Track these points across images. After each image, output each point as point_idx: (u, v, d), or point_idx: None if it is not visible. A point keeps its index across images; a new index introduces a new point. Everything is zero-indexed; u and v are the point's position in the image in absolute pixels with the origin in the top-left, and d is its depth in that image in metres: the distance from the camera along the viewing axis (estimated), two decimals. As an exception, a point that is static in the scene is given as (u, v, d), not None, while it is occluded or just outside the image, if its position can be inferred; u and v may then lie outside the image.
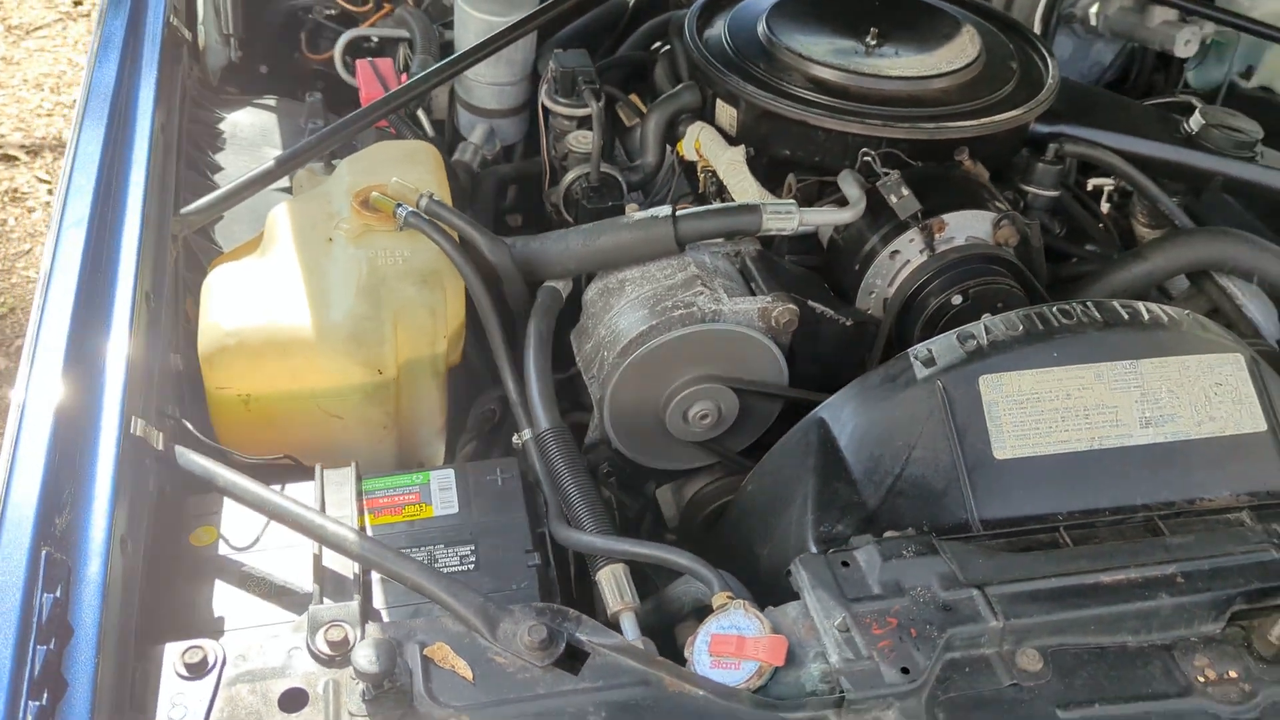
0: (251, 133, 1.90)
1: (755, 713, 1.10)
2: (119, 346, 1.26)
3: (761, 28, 1.90)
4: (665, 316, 1.51)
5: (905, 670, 1.14)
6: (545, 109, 1.92)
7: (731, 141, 1.82)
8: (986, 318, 1.44)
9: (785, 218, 1.59)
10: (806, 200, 1.78)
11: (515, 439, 1.49)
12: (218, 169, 1.75)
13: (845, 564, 1.24)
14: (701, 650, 1.17)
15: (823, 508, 1.35)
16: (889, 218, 1.65)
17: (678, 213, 1.56)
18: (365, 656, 1.07)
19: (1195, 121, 1.90)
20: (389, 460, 1.56)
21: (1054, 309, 1.45)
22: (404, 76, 1.91)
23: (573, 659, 1.14)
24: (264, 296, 1.47)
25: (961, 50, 1.86)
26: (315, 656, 1.12)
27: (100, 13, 1.72)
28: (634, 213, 1.60)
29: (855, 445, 1.40)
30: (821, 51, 1.82)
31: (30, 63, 4.77)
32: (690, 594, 1.35)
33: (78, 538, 1.10)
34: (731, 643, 1.16)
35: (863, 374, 1.49)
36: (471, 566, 1.31)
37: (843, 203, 1.67)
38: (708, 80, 1.85)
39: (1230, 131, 1.87)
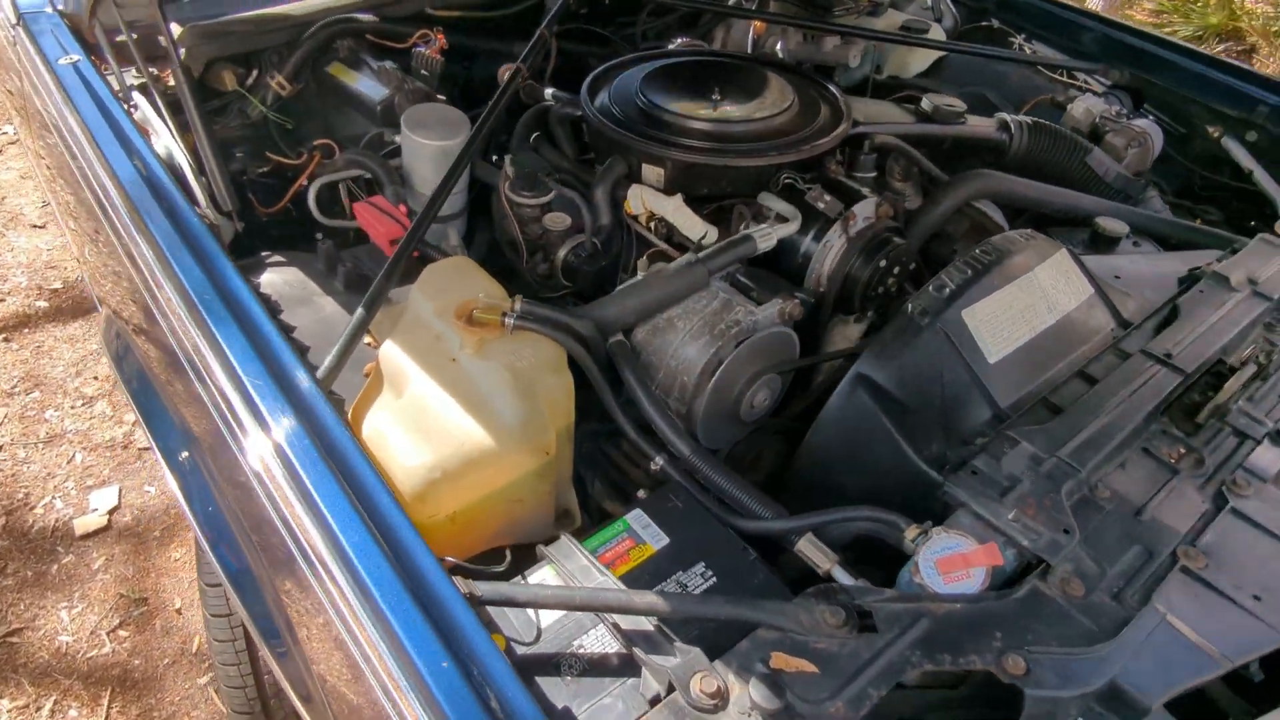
0: (291, 290, 1.44)
1: (1006, 604, 1.01)
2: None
3: (643, 102, 1.70)
4: (725, 337, 1.34)
5: (1066, 531, 1.09)
6: (510, 201, 1.61)
7: (665, 192, 1.62)
8: (942, 272, 1.39)
9: (767, 239, 1.45)
10: (730, 222, 1.64)
11: (654, 465, 1.26)
12: (291, 329, 1.31)
13: (974, 472, 1.16)
14: (932, 574, 1.06)
15: (910, 439, 1.26)
16: (817, 218, 1.55)
17: (702, 255, 1.37)
18: (763, 695, 0.88)
19: (927, 104, 1.93)
20: (550, 518, 1.27)
21: (978, 252, 1.42)
22: (401, 207, 1.52)
23: (864, 619, 0.99)
24: (432, 426, 1.14)
25: (782, 93, 1.76)
26: (696, 707, 0.89)
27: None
28: (665, 265, 1.38)
29: (902, 386, 1.32)
30: (697, 110, 1.67)
31: None
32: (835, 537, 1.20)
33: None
34: (956, 560, 1.05)
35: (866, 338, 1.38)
36: (714, 580, 1.10)
37: (780, 218, 1.54)
38: (630, 151, 1.63)
39: (948, 107, 1.92)
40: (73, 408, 2.84)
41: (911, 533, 1.11)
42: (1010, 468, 1.17)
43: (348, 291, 1.46)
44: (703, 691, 0.90)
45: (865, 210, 1.59)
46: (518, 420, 1.15)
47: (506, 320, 1.22)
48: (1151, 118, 2.27)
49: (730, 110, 1.71)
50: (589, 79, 1.84)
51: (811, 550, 1.14)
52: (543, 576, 1.09)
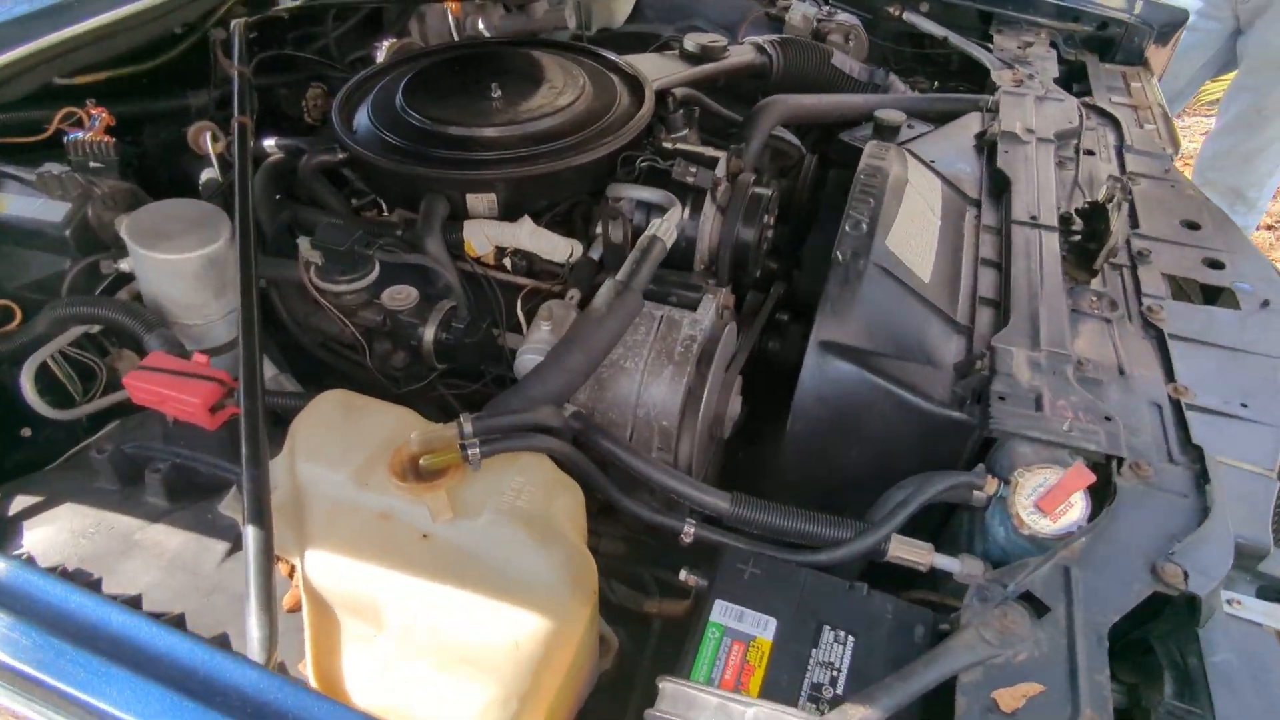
0: (86, 542, 0.93)
1: (1112, 515, 0.97)
2: None
3: (423, 122, 1.39)
4: (686, 360, 1.14)
5: (1109, 418, 1.08)
6: (322, 291, 1.22)
7: (503, 219, 1.33)
8: (848, 208, 1.29)
9: (671, 234, 1.24)
10: (575, 229, 1.41)
11: (684, 538, 1.04)
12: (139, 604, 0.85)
13: (1002, 398, 1.10)
14: (1038, 519, 0.99)
15: (915, 388, 1.17)
16: (687, 193, 1.36)
17: (623, 277, 1.13)
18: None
19: (692, 45, 1.82)
20: (597, 657, 1.00)
21: (864, 179, 1.36)
22: (198, 356, 1.04)
23: (1030, 604, 0.89)
24: (464, 646, 0.80)
25: (566, 72, 1.55)
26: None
27: None
28: (597, 302, 1.12)
29: (870, 338, 1.22)
30: (490, 116, 1.39)
31: None
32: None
33: None
34: (1056, 494, 0.99)
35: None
36: (853, 640, 0.94)
37: (644, 206, 1.35)
38: (445, 185, 1.31)
39: (713, 44, 1.83)
40: None
41: (991, 485, 1.03)
42: (1022, 378, 1.14)
43: (175, 505, 0.99)
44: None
45: (720, 171, 1.44)
46: (558, 571, 0.85)
47: (470, 454, 0.89)
48: (843, 12, 2.38)
49: (529, 104, 1.44)
50: (336, 110, 1.44)
51: (908, 551, 1.02)
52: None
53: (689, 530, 1.05)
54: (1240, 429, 1.13)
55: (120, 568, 0.91)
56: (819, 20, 2.24)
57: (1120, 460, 1.04)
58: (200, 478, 1.05)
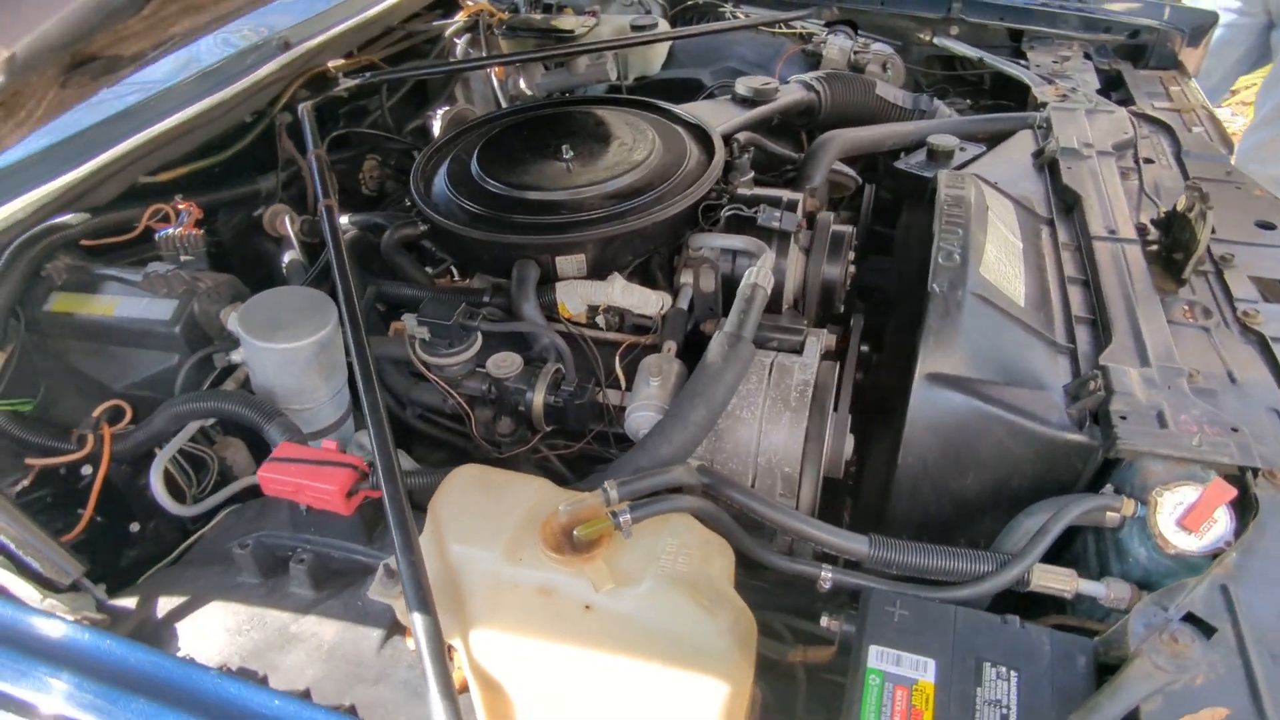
0: (242, 640, 0.95)
1: (1260, 528, 0.97)
2: None
3: (501, 189, 1.43)
4: (801, 404, 1.15)
5: (1235, 429, 1.09)
6: (429, 365, 1.25)
7: (592, 277, 1.37)
8: (938, 241, 1.32)
9: (768, 280, 1.27)
10: (656, 280, 1.45)
11: (822, 584, 1.05)
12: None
13: (1124, 417, 1.11)
14: (1183, 538, 1.00)
15: (1029, 413, 1.18)
16: (771, 236, 1.39)
17: (732, 329, 1.16)
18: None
19: (744, 89, 1.88)
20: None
21: (949, 210, 1.39)
22: (326, 443, 1.07)
23: (1196, 626, 0.89)
24: (648, 701, 0.81)
25: (633, 128, 1.60)
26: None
27: None
28: (711, 354, 1.14)
29: (975, 366, 1.23)
30: (566, 178, 1.45)
31: None
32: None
33: None
34: (1197, 512, 1.00)
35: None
36: (1016, 674, 0.93)
37: (729, 253, 1.38)
38: (534, 250, 1.35)
39: (764, 85, 1.88)
40: None
41: (1129, 507, 1.03)
42: (1141, 396, 1.15)
43: (322, 593, 1.00)
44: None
45: (799, 212, 1.48)
46: (725, 635, 0.86)
47: (621, 520, 0.90)
48: (877, 42, 2.44)
49: (604, 162, 1.49)
50: (414, 183, 1.49)
51: (1052, 579, 1.02)
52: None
53: (826, 576, 1.05)
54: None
55: (282, 663, 0.92)
56: (855, 52, 2.29)
57: (1255, 470, 1.04)
58: (335, 563, 1.07)
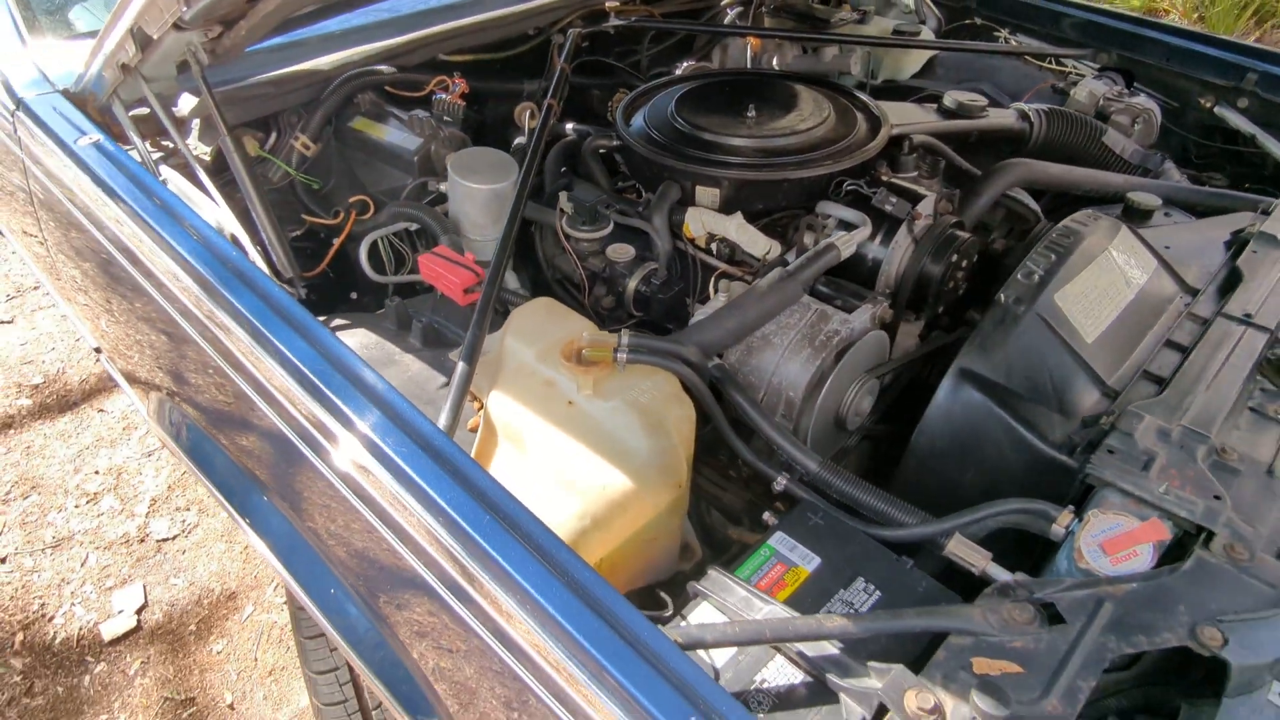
0: (369, 352, 1.39)
1: (1179, 577, 1.01)
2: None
3: (683, 126, 1.72)
4: (826, 349, 1.33)
5: (1217, 497, 1.10)
6: (569, 236, 1.60)
7: (721, 212, 1.62)
8: (1026, 259, 1.41)
9: (849, 247, 1.45)
10: (784, 234, 1.65)
11: (776, 486, 1.24)
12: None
13: (1111, 451, 1.17)
14: (1098, 557, 1.06)
15: (1030, 427, 1.26)
16: (883, 221, 1.56)
17: (792, 269, 1.36)
18: (989, 704, 0.86)
19: (950, 101, 1.97)
20: (676, 554, 1.24)
21: (1056, 237, 1.45)
22: (468, 255, 1.48)
23: (1049, 611, 0.98)
24: (569, 474, 1.10)
25: (817, 105, 1.79)
26: (914, 723, 0.86)
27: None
28: (758, 282, 1.37)
29: (1009, 376, 1.33)
30: (738, 129, 1.68)
31: None
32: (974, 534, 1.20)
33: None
34: (1121, 540, 1.06)
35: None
36: (879, 594, 1.08)
37: (844, 224, 1.55)
38: (683, 175, 1.63)
39: (971, 102, 1.96)
40: (77, 507, 2.69)
41: (1064, 519, 1.11)
42: (1143, 442, 1.19)
43: (426, 348, 1.42)
44: (920, 709, 0.87)
45: (926, 209, 1.61)
46: (653, 456, 1.12)
47: (619, 356, 1.20)
48: (1144, 95, 2.36)
49: (774, 124, 1.73)
50: (621, 109, 1.84)
51: (964, 550, 1.13)
52: (702, 614, 1.06)
53: (781, 480, 1.25)
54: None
55: (381, 371, 1.34)
56: (1107, 99, 2.25)
57: (1210, 534, 1.06)
58: (445, 337, 1.48)
